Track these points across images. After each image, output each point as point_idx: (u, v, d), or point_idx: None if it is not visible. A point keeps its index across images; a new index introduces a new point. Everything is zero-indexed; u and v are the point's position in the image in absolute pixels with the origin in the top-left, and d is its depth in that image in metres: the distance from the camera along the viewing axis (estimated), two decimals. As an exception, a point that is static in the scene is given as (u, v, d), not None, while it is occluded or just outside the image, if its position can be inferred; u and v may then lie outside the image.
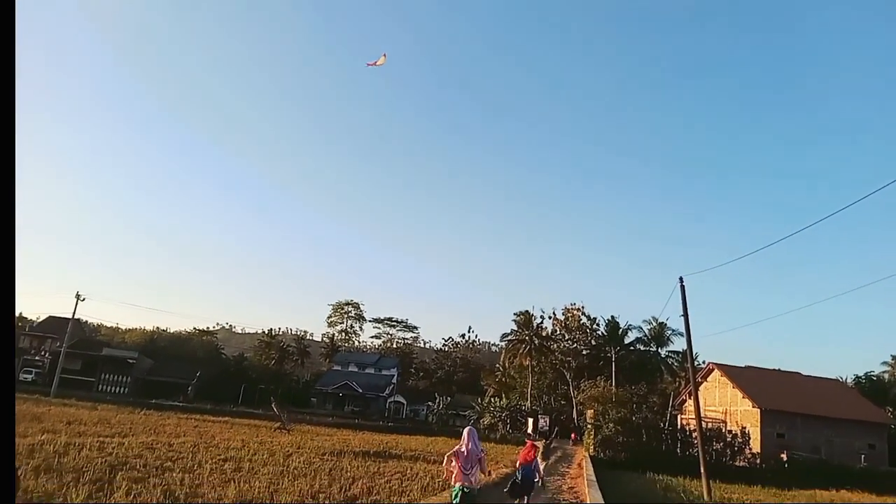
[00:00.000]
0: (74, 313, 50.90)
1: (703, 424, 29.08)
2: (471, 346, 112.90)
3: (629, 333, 69.46)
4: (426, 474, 17.39)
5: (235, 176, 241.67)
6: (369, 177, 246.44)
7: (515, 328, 69.60)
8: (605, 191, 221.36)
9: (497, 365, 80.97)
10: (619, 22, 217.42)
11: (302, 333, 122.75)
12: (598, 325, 72.31)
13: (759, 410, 40.95)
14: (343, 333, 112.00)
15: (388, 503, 11.68)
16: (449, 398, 70.36)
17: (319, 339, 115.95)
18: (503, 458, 27.10)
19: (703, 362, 52.43)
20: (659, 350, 69.45)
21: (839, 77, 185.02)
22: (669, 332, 67.63)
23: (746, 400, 42.50)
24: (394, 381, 79.08)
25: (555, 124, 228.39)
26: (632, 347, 69.37)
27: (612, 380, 59.30)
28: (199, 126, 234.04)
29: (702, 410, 29.50)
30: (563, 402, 65.99)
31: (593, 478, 18.64)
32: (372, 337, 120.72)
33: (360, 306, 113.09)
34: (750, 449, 37.20)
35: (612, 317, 70.05)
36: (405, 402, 75.63)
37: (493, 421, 54.99)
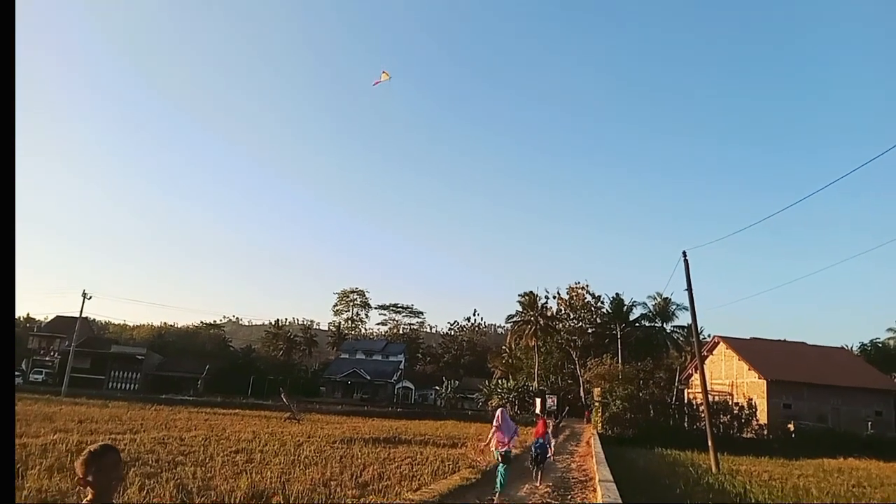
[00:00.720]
0: (81, 312, 51.20)
1: (710, 398, 29.23)
2: (476, 328, 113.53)
3: (634, 310, 69.59)
4: (436, 458, 17.55)
5: (237, 168, 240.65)
6: (370, 161, 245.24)
7: (520, 309, 69.80)
8: (607, 167, 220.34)
9: (503, 347, 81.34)
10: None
11: (308, 323, 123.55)
12: (602, 303, 72.43)
13: (765, 382, 41.12)
14: (349, 321, 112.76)
15: (398, 489, 11.79)
16: (457, 382, 70.87)
17: (326, 328, 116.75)
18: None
19: (709, 336, 52.61)
20: (664, 325, 69.58)
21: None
22: (674, 306, 67.72)
23: (752, 372, 42.66)
24: (401, 366, 79.60)
25: (558, 100, 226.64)
26: (637, 324, 69.52)
27: (618, 357, 59.57)
28: (196, 118, 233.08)
29: (708, 384, 29.63)
30: (570, 381, 66.36)
31: (602, 455, 18.78)
32: (378, 324, 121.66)
33: (366, 294, 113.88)
34: (757, 420, 37.42)
35: (617, 294, 70.15)
36: (413, 388, 76.18)
37: (500, 402, 55.28)
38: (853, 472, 23.85)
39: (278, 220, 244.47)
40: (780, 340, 50.85)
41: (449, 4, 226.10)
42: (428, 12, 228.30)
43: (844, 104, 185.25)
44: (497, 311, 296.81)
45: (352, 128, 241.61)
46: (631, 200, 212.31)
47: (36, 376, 59.37)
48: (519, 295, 70.58)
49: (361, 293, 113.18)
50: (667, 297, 67.52)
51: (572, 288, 75.10)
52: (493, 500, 11.54)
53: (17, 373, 55.18)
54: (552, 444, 17.28)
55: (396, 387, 74.43)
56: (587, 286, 74.34)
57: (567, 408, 47.99)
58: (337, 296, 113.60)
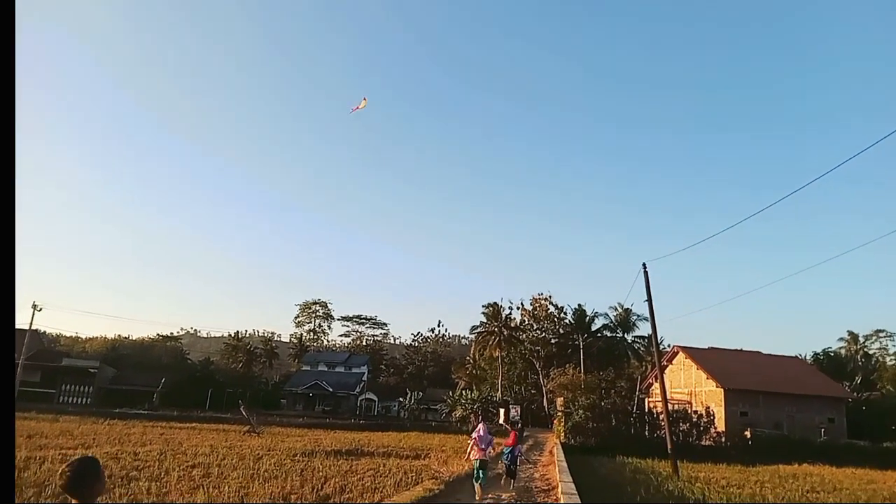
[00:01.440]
0: (31, 324, 49.40)
1: (670, 406, 29.67)
2: (441, 339, 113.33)
3: (596, 320, 70.65)
4: (399, 470, 17.38)
5: (198, 175, 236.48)
6: (333, 163, 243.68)
7: (485, 320, 70.04)
8: (571, 177, 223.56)
9: (467, 357, 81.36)
10: None
11: (269, 335, 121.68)
12: (565, 314, 73.34)
13: (722, 390, 42.00)
14: (311, 333, 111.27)
15: (360, 501, 11.62)
16: (420, 393, 70.55)
17: (287, 340, 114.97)
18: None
19: (668, 345, 53.57)
20: (625, 336, 70.77)
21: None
22: (635, 317, 69.01)
23: (711, 380, 43.55)
24: (364, 378, 78.87)
25: (530, 101, 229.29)
26: (599, 334, 70.50)
27: (580, 367, 60.21)
28: (158, 122, 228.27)
29: (668, 393, 30.12)
30: (533, 392, 66.77)
31: (564, 464, 18.89)
32: (341, 335, 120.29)
33: (328, 305, 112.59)
34: (715, 428, 38.15)
35: (579, 305, 71.16)
36: (376, 399, 75.50)
37: (464, 413, 55.16)
38: (807, 478, 24.51)
39: (239, 229, 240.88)
40: (736, 350, 52.05)
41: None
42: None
43: (803, 116, 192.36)
44: (461, 322, 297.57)
45: (313, 128, 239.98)
46: (593, 211, 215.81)
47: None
48: (483, 306, 70.91)
49: (324, 304, 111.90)
50: (628, 308, 68.80)
51: (536, 299, 75.80)
52: (477, 491, 13.86)
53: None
54: (522, 450, 18.17)
55: (359, 399, 73.64)
56: (550, 297, 75.19)
57: (520, 423, 48.15)
58: (299, 307, 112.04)
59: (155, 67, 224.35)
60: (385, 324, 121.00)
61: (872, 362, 76.78)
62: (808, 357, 70.80)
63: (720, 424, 39.53)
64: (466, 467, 18.96)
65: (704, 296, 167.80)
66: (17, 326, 59.49)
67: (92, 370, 62.77)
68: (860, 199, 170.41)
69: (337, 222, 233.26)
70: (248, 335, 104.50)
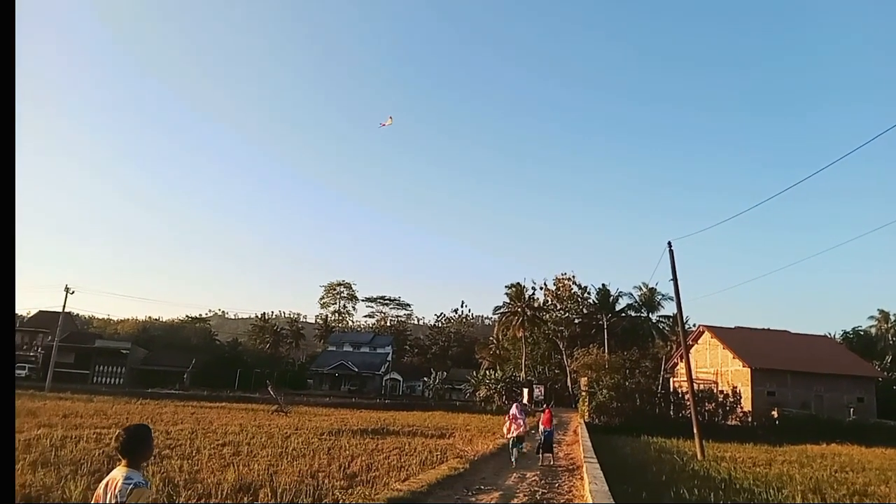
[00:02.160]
0: (64, 307, 50.53)
1: (695, 386, 29.48)
2: (464, 320, 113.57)
3: (620, 300, 70.09)
4: (424, 448, 17.57)
5: (227, 159, 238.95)
6: (359, 147, 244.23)
7: (508, 300, 70.00)
8: (598, 157, 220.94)
9: (491, 338, 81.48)
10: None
11: (295, 316, 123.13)
12: (589, 293, 72.81)
13: (749, 370, 41.55)
14: (336, 314, 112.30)
15: (386, 479, 11.78)
16: (444, 373, 70.93)
17: (313, 321, 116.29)
18: (499, 429, 27.42)
19: (694, 325, 53.08)
20: (650, 315, 70.16)
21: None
22: (660, 296, 68.31)
23: (737, 360, 43.10)
24: (389, 358, 79.55)
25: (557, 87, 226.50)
26: (623, 314, 70.00)
27: (604, 347, 59.95)
28: (186, 107, 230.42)
29: (693, 372, 29.89)
30: (557, 371, 66.72)
31: (588, 443, 18.94)
32: (365, 316, 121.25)
33: (353, 286, 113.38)
34: (741, 408, 37.83)
35: (603, 285, 70.55)
36: (401, 379, 76.18)
37: (488, 393, 55.41)
38: (835, 458, 24.22)
39: (267, 212, 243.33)
40: (764, 329, 51.36)
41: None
42: None
43: (834, 90, 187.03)
44: (484, 302, 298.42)
45: (340, 109, 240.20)
46: (619, 190, 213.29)
47: (19, 372, 58.56)
48: (506, 286, 70.83)
49: (348, 286, 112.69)
50: (652, 288, 68.08)
51: (559, 279, 75.40)
52: (513, 462, 15.94)
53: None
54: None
55: (384, 378, 74.38)
56: (574, 277, 74.72)
57: (552, 401, 48.24)
58: (324, 288, 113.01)
59: (184, 54, 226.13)
60: (409, 304, 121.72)
61: (904, 341, 75.22)
62: (837, 336, 69.58)
63: (746, 404, 39.18)
64: (491, 446, 19.18)
65: (731, 275, 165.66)
66: (52, 309, 61.16)
67: (124, 351, 64.34)
68: (890, 176, 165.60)
69: (362, 204, 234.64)
70: (274, 316, 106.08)
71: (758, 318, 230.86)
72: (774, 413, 37.91)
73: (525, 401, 48.58)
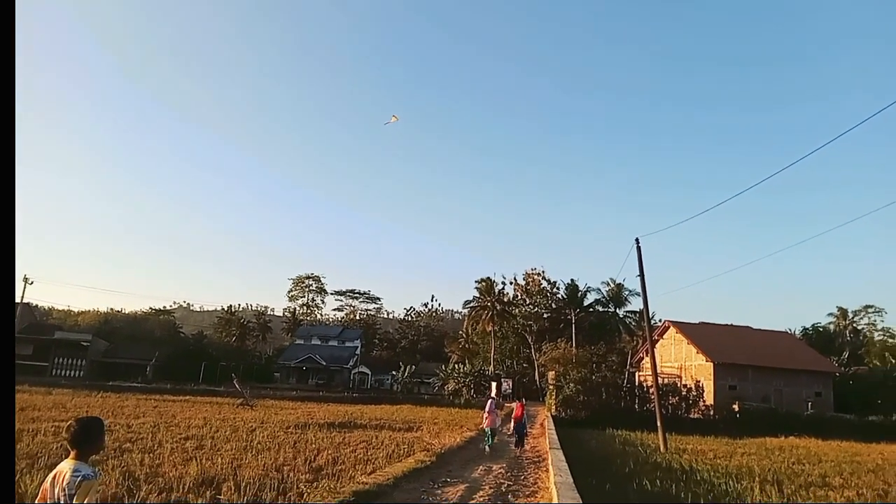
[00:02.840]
0: (23, 297, 49.19)
1: (660, 380, 29.98)
2: (434, 314, 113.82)
3: (588, 295, 70.96)
4: (391, 442, 17.54)
5: (191, 146, 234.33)
6: (329, 141, 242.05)
7: (478, 295, 70.30)
8: (569, 154, 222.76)
9: (460, 332, 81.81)
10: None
11: (263, 309, 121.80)
12: (557, 288, 73.63)
13: (712, 364, 42.43)
14: (304, 307, 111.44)
15: (352, 473, 11.71)
16: (413, 367, 70.93)
17: (281, 314, 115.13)
18: (467, 422, 27.57)
19: (660, 320, 53.92)
20: (617, 310, 71.20)
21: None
22: (627, 292, 69.40)
23: (700, 355, 43.97)
24: (357, 352, 79.25)
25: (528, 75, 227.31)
26: (591, 309, 70.88)
27: (572, 341, 60.65)
28: (148, 89, 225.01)
29: (658, 367, 30.39)
30: (525, 365, 67.29)
31: (555, 436, 19.12)
32: (334, 309, 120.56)
33: (322, 279, 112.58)
34: (704, 401, 38.63)
35: (572, 280, 71.40)
36: (370, 373, 75.96)
37: (457, 386, 55.69)
38: (793, 450, 24.91)
39: (232, 203, 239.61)
40: (727, 325, 52.44)
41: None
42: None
43: (799, 91, 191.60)
44: (454, 296, 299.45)
45: (315, 102, 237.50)
46: (587, 187, 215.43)
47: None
48: (476, 281, 71.13)
49: (317, 279, 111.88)
50: (620, 283, 69.15)
51: (529, 274, 76.05)
52: (486, 449, 17.23)
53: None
54: (500, 425, 20.42)
55: (352, 372, 74.06)
56: (543, 272, 75.45)
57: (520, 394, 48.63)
58: (292, 281, 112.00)
59: (148, 43, 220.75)
60: (378, 298, 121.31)
61: (860, 337, 77.76)
62: (797, 332, 71.54)
63: (709, 398, 40.02)
64: (458, 439, 19.27)
65: (697, 271, 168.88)
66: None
67: (84, 343, 62.73)
68: (853, 174, 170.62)
69: (332, 198, 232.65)
70: (241, 309, 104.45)
71: (722, 314, 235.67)
72: (735, 407, 38.79)
73: (493, 394, 48.96)
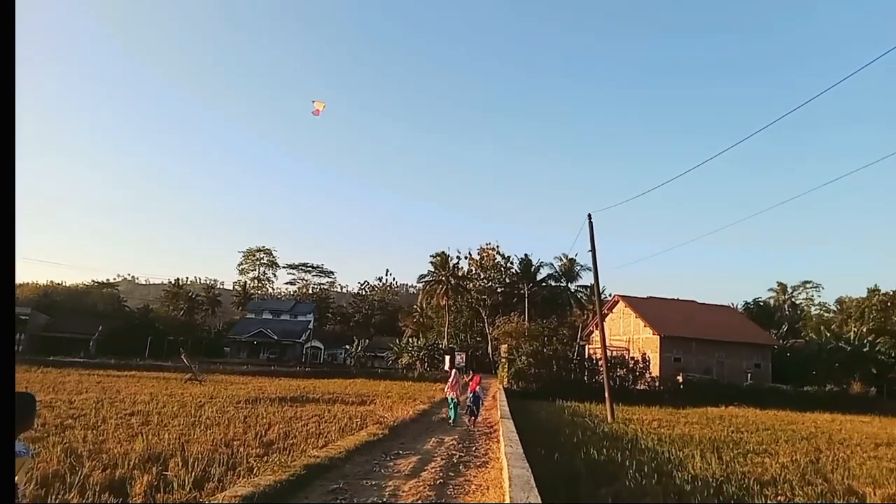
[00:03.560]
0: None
1: (609, 353, 30.78)
2: (388, 288, 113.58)
3: (541, 270, 71.94)
4: (344, 415, 17.52)
5: (134, 107, 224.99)
6: (282, 106, 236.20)
7: (432, 269, 70.40)
8: (520, 127, 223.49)
9: (415, 306, 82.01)
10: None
11: (212, 282, 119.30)
12: (511, 263, 74.35)
13: (658, 337, 43.81)
14: (256, 281, 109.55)
15: (304, 447, 11.65)
16: (367, 340, 70.82)
17: (231, 288, 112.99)
18: (420, 395, 27.78)
19: (610, 295, 55.23)
20: (569, 285, 72.48)
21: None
22: (579, 267, 70.66)
23: (648, 328, 45.31)
24: (310, 326, 78.59)
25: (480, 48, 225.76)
26: (544, 283, 71.93)
27: (524, 315, 61.60)
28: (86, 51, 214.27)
29: (607, 340, 31.15)
30: (478, 339, 68.08)
31: (506, 407, 19.44)
32: (286, 283, 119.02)
33: (273, 252, 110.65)
34: (650, 373, 39.94)
35: (526, 255, 72.18)
36: (323, 347, 75.52)
37: (410, 360, 55.94)
38: (733, 419, 26.07)
39: (181, 173, 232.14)
40: (673, 299, 54.10)
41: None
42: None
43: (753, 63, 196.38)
44: (409, 271, 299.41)
45: (265, 53, 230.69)
46: (542, 160, 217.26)
47: None
48: (431, 255, 71.17)
49: (269, 252, 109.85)
50: (572, 258, 70.30)
51: (483, 248, 76.53)
52: (453, 425, 17.30)
53: None
54: (479, 393, 20.92)
55: (305, 346, 73.50)
56: (498, 247, 76.03)
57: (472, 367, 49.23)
58: (242, 254, 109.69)
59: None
60: (332, 272, 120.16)
61: (798, 311, 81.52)
62: (739, 306, 74.37)
63: (655, 370, 41.40)
64: (411, 412, 19.38)
65: (648, 247, 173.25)
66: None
67: (23, 317, 60.19)
68: (799, 151, 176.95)
69: (286, 170, 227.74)
70: (188, 282, 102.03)
71: (669, 288, 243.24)
72: (680, 378, 40.23)
73: (447, 367, 49.43)
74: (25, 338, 58.89)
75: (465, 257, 75.70)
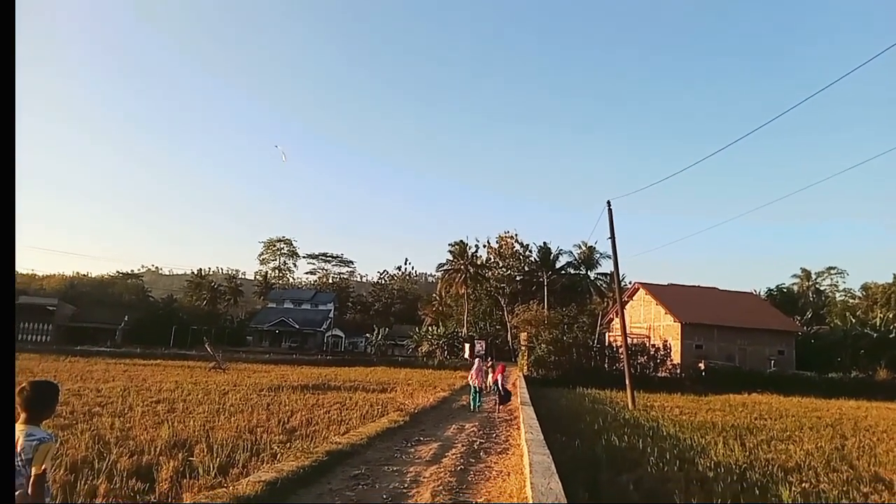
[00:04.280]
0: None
1: (629, 340, 30.60)
2: (407, 277, 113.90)
3: (560, 258, 71.70)
4: (365, 403, 17.65)
5: (158, 107, 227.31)
6: (303, 98, 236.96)
7: (451, 258, 70.49)
8: (544, 117, 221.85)
9: (434, 295, 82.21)
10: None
11: (234, 272, 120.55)
12: (530, 251, 74.22)
13: (680, 324, 43.40)
14: (276, 271, 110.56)
15: (326, 433, 11.77)
16: (387, 329, 71.21)
17: (252, 278, 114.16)
18: (440, 383, 27.90)
19: (630, 282, 54.79)
20: (588, 273, 72.14)
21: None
22: (598, 255, 70.30)
23: (669, 315, 44.91)
24: (331, 315, 79.19)
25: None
26: (563, 271, 71.69)
27: (544, 303, 61.43)
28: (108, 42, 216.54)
29: (628, 327, 30.97)
30: (498, 327, 68.11)
31: (526, 395, 19.48)
32: (307, 273, 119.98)
33: (293, 242, 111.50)
34: (671, 360, 39.64)
35: (545, 243, 71.96)
36: (343, 336, 76.05)
37: (430, 348, 56.18)
38: (756, 406, 25.79)
39: (202, 166, 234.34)
40: (694, 286, 53.50)
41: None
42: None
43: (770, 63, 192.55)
44: (428, 259, 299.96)
45: (284, 41, 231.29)
46: (560, 150, 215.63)
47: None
48: (450, 244, 71.22)
49: (289, 242, 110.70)
50: (591, 246, 69.93)
51: (502, 237, 76.38)
52: (476, 412, 17.83)
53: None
54: (487, 384, 21.68)
55: (326, 335, 74.08)
56: (516, 235, 75.86)
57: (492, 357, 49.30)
58: (263, 245, 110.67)
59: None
60: (351, 262, 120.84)
61: (823, 298, 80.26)
62: (762, 293, 73.42)
63: (676, 357, 41.07)
64: (432, 399, 19.49)
65: (668, 234, 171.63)
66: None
67: (50, 308, 61.47)
68: (818, 139, 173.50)
69: (307, 160, 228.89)
70: (211, 273, 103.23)
71: (690, 275, 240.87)
72: (701, 365, 39.86)
73: (467, 356, 49.58)
74: (53, 328, 60.15)
75: (484, 246, 75.73)
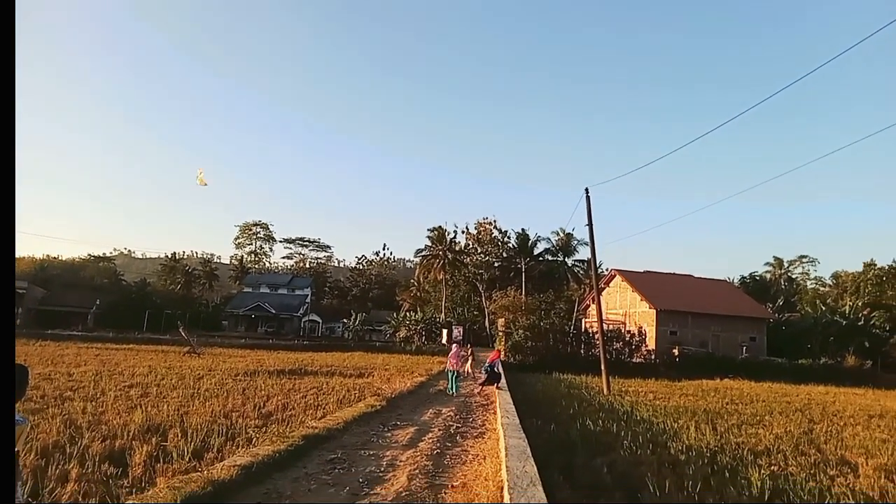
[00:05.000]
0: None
1: (605, 326, 30.94)
2: (386, 263, 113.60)
3: (538, 245, 72.03)
4: (342, 387, 17.62)
5: (130, 86, 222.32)
6: (277, 79, 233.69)
7: (429, 244, 70.41)
8: (517, 102, 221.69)
9: (412, 280, 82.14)
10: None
11: (209, 256, 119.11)
12: (508, 238, 74.44)
13: (655, 311, 44.00)
14: (252, 255, 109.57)
15: (302, 418, 11.73)
16: (365, 314, 71.04)
17: (227, 262, 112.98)
18: (418, 368, 27.95)
19: (606, 269, 55.34)
20: (566, 259, 72.62)
21: None
22: (576, 241, 70.75)
23: (644, 302, 45.49)
24: (308, 300, 78.79)
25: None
26: (540, 258, 72.07)
27: (521, 289, 61.79)
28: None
29: (604, 314, 31.33)
30: (475, 313, 68.37)
31: (503, 380, 19.58)
32: (283, 257, 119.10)
33: (270, 227, 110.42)
34: (646, 346, 40.23)
35: (523, 229, 72.16)
36: (320, 321, 75.79)
37: (408, 334, 56.14)
38: (727, 391, 26.33)
39: (176, 145, 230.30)
40: (670, 273, 54.22)
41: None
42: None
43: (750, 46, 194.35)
44: (406, 245, 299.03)
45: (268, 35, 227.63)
46: (538, 137, 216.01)
47: None
48: (428, 230, 71.11)
49: (265, 226, 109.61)
50: (569, 233, 70.33)
51: (480, 223, 76.49)
52: (453, 396, 17.87)
53: None
54: (468, 369, 22.56)
55: (303, 320, 73.77)
56: (495, 221, 76.01)
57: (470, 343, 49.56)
58: (239, 228, 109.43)
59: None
60: (329, 246, 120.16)
61: (794, 286, 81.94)
62: (735, 280, 74.67)
63: (651, 343, 41.68)
64: (409, 384, 19.53)
65: (646, 220, 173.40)
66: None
67: (20, 291, 60.13)
68: (792, 126, 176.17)
69: (282, 142, 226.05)
70: (185, 256, 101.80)
71: (665, 262, 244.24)
72: (675, 351, 40.53)
73: (444, 341, 49.71)
74: (23, 311, 58.87)
75: (463, 232, 75.80)
